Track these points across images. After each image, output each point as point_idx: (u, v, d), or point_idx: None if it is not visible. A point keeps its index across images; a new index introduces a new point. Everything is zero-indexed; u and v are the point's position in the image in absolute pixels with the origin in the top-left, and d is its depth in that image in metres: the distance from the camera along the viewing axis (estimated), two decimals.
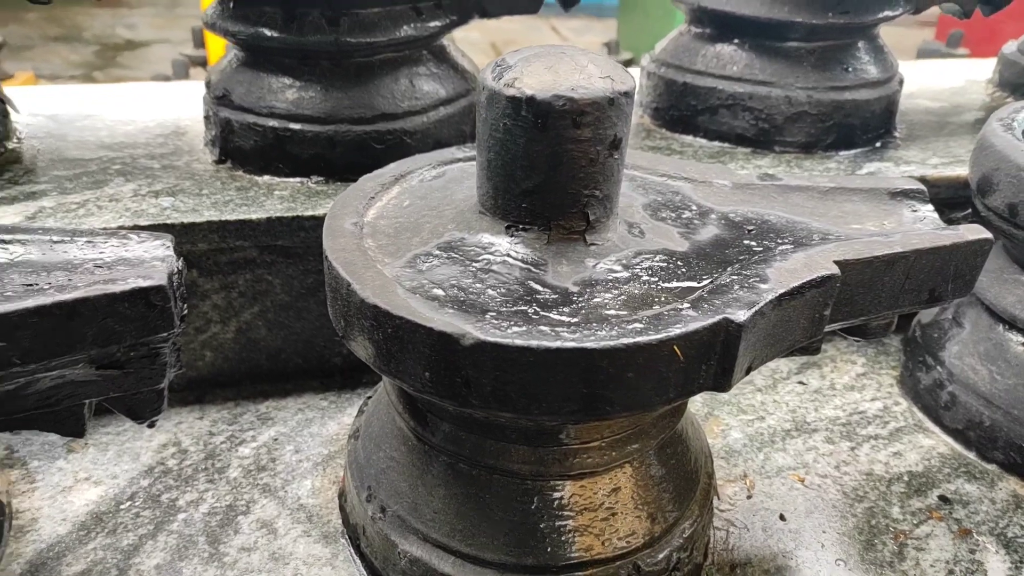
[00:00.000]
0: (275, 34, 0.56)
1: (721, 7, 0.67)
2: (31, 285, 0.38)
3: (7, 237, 0.41)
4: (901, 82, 0.72)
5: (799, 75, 0.66)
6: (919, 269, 0.42)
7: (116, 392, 0.42)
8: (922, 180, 0.66)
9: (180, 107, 0.74)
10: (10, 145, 0.63)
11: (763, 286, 0.36)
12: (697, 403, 0.61)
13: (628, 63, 3.44)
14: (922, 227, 0.45)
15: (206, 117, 0.62)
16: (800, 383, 0.64)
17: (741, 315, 0.34)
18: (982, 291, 0.58)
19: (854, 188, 0.48)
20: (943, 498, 0.53)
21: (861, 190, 0.48)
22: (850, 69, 0.67)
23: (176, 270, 0.39)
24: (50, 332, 0.36)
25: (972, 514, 0.52)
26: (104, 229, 0.45)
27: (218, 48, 2.75)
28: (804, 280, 0.37)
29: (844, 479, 0.54)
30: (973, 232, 0.42)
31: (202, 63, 2.85)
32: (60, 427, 0.43)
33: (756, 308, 0.35)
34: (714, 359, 0.35)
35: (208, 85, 0.62)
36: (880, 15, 0.66)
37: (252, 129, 0.58)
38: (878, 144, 0.70)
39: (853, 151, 0.68)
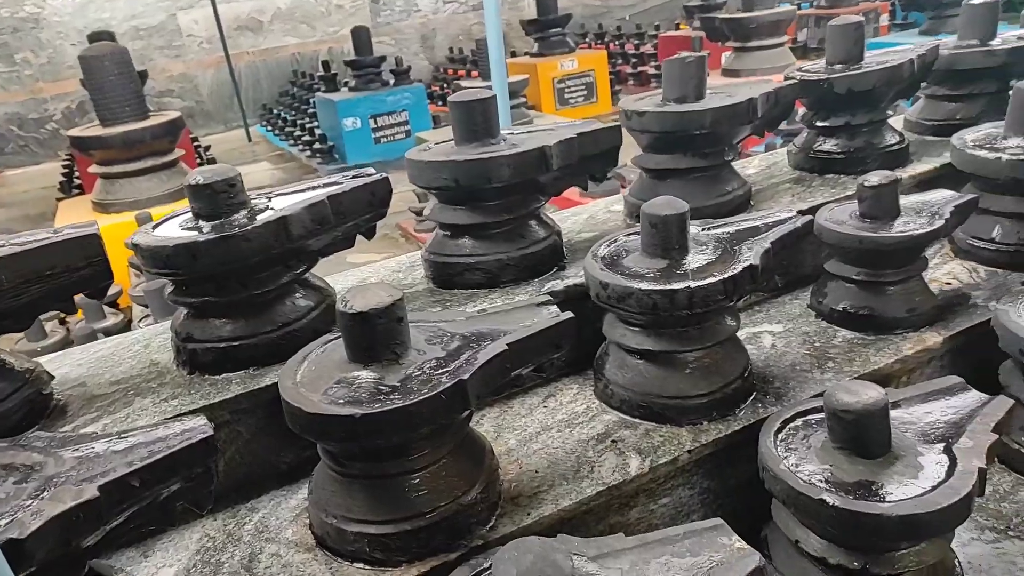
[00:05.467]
0: (214, 299, 1.04)
1: (453, 221, 1.23)
2: (151, 452, 0.81)
3: (122, 434, 0.84)
4: (559, 234, 1.31)
5: (502, 246, 1.23)
6: (546, 336, 0.95)
7: (191, 495, 0.85)
8: (575, 287, 1.23)
9: (144, 349, 1.18)
10: (55, 398, 1.04)
11: (475, 364, 0.88)
12: (490, 432, 1.11)
13: None
14: (548, 317, 0.98)
15: (177, 349, 1.07)
16: (544, 407, 1.16)
17: (465, 376, 0.85)
18: (612, 335, 1.13)
19: (521, 306, 1.02)
20: (613, 440, 1.06)
21: (524, 306, 1.02)
22: (524, 236, 1.24)
23: (212, 428, 0.85)
24: (164, 470, 0.80)
25: (626, 444, 1.05)
26: (166, 420, 0.89)
27: None
28: (491, 356, 0.89)
29: (566, 445, 1.06)
30: (566, 315, 0.97)
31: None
32: (164, 519, 0.85)
33: (470, 373, 0.86)
34: (459, 397, 0.85)
35: (176, 332, 1.07)
36: (533, 207, 1.25)
37: (209, 351, 1.04)
38: (555, 270, 1.27)
39: (540, 277, 1.25)
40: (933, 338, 1.20)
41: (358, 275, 1.38)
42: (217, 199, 1.04)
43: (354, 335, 0.87)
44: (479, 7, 11.91)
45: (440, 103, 10.15)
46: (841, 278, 1.26)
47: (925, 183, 1.52)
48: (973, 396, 0.99)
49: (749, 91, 1.39)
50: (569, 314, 0.96)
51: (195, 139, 7.63)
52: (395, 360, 0.88)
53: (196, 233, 1.01)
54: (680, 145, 1.38)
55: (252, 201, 1.11)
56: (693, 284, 0.99)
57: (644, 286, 1.01)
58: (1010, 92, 1.70)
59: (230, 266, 1.01)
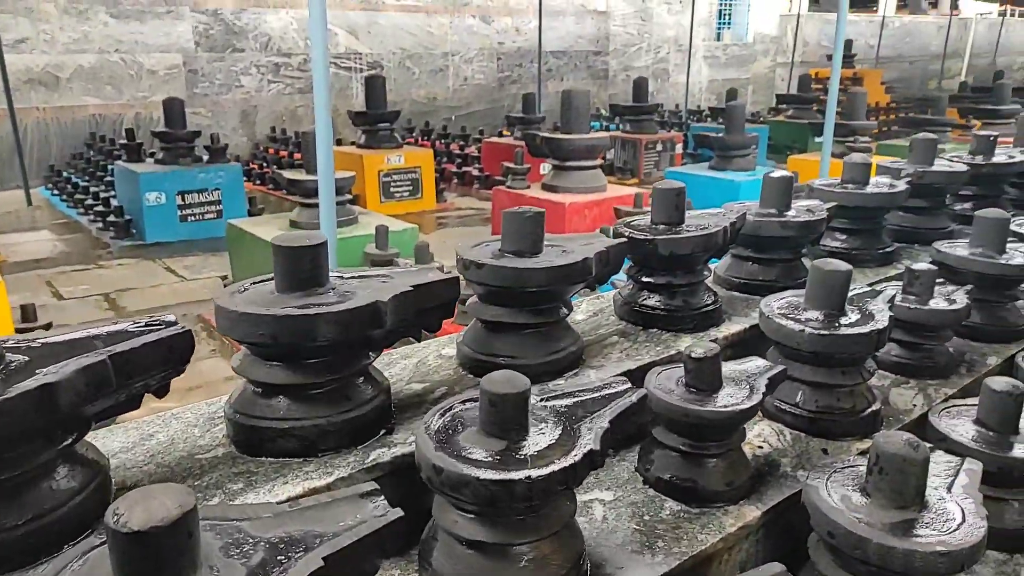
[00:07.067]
0: None
1: (266, 379, 1.08)
2: None
3: None
4: (388, 390, 1.20)
5: (323, 409, 1.09)
6: (372, 541, 0.83)
7: None
8: (402, 456, 1.12)
9: None
10: None
11: None
12: None
13: None
14: (377, 515, 0.86)
15: None
16: None
17: None
18: (442, 521, 1.03)
19: (342, 498, 0.89)
20: None
21: (346, 498, 0.89)
22: (350, 396, 1.13)
23: None
24: None
25: None
26: None
27: None
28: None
29: None
30: (394, 514, 0.85)
31: None
32: None
33: None
34: None
35: None
36: (361, 364, 1.14)
37: None
38: (382, 432, 1.16)
39: (364, 444, 1.13)
40: (752, 512, 1.22)
41: (140, 430, 1.17)
42: None
43: (126, 560, 0.69)
44: (306, 90, 11.84)
45: (259, 182, 9.77)
46: (668, 447, 1.27)
47: (737, 344, 1.61)
48: None
49: (584, 249, 1.41)
50: (398, 512, 0.85)
51: None
52: None
53: None
54: (515, 300, 1.35)
55: (8, 356, 0.90)
56: (533, 474, 0.93)
57: (481, 475, 0.93)
58: (802, 259, 1.89)
59: None
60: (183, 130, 7.25)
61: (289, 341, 1.05)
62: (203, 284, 5.74)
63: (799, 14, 18.42)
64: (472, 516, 0.99)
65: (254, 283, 1.19)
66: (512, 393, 0.99)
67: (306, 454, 1.09)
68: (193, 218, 7.13)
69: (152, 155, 7.51)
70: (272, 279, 1.17)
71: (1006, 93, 9.64)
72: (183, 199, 7.04)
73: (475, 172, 9.97)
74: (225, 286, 4.64)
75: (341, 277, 1.22)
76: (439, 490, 0.97)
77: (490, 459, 0.97)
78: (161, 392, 1.03)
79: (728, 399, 1.23)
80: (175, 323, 1.01)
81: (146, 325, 1.01)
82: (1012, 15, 24.47)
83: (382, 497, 0.89)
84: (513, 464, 0.95)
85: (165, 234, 6.94)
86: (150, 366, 0.96)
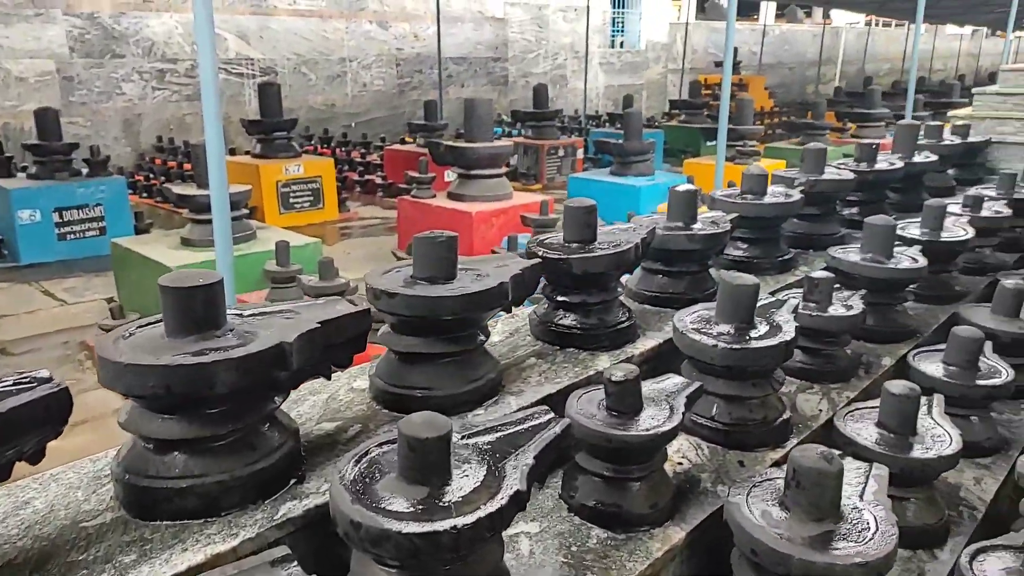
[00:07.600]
0: None
1: (160, 435, 0.98)
2: None
3: None
4: (296, 434, 1.12)
5: (225, 463, 1.00)
6: None
7: None
8: (315, 508, 1.05)
9: None
10: None
11: None
12: None
13: None
14: None
15: None
16: None
17: None
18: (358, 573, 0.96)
19: (248, 568, 0.81)
20: None
21: (255, 567, 0.82)
22: (255, 446, 1.04)
23: None
24: None
25: None
26: None
27: None
28: None
29: None
30: None
31: None
32: None
33: None
34: None
35: None
36: (266, 409, 1.05)
37: None
38: (292, 482, 1.08)
39: (273, 497, 1.04)
40: (676, 534, 1.22)
41: (13, 497, 1.04)
42: None
43: None
44: (194, 97, 11.31)
45: (144, 195, 9.26)
46: (591, 472, 1.25)
47: (652, 358, 1.62)
48: None
49: (498, 272, 1.37)
50: None
51: None
52: None
53: None
54: (430, 329, 1.30)
55: None
56: (459, 523, 0.88)
57: (404, 528, 0.87)
58: (708, 270, 1.93)
59: None
60: (58, 142, 6.73)
61: (184, 392, 0.95)
62: (87, 308, 5.33)
63: (687, 22, 19.19)
64: (395, 570, 0.93)
65: (140, 327, 1.09)
66: (433, 437, 0.94)
67: (208, 514, 0.99)
68: (73, 236, 6.63)
69: (24, 169, 6.94)
70: (161, 320, 1.07)
71: (876, 98, 10.38)
72: (61, 216, 6.54)
73: (378, 180, 9.79)
74: (111, 309, 4.31)
75: (240, 315, 1.13)
76: (358, 546, 0.90)
77: (412, 509, 0.91)
78: (35, 458, 0.92)
79: (650, 421, 1.23)
80: (49, 379, 0.90)
81: (14, 384, 0.89)
82: (876, 25, 26.42)
83: (295, 563, 0.82)
84: (437, 513, 0.90)
85: (42, 255, 6.42)
86: (22, 431, 0.85)
